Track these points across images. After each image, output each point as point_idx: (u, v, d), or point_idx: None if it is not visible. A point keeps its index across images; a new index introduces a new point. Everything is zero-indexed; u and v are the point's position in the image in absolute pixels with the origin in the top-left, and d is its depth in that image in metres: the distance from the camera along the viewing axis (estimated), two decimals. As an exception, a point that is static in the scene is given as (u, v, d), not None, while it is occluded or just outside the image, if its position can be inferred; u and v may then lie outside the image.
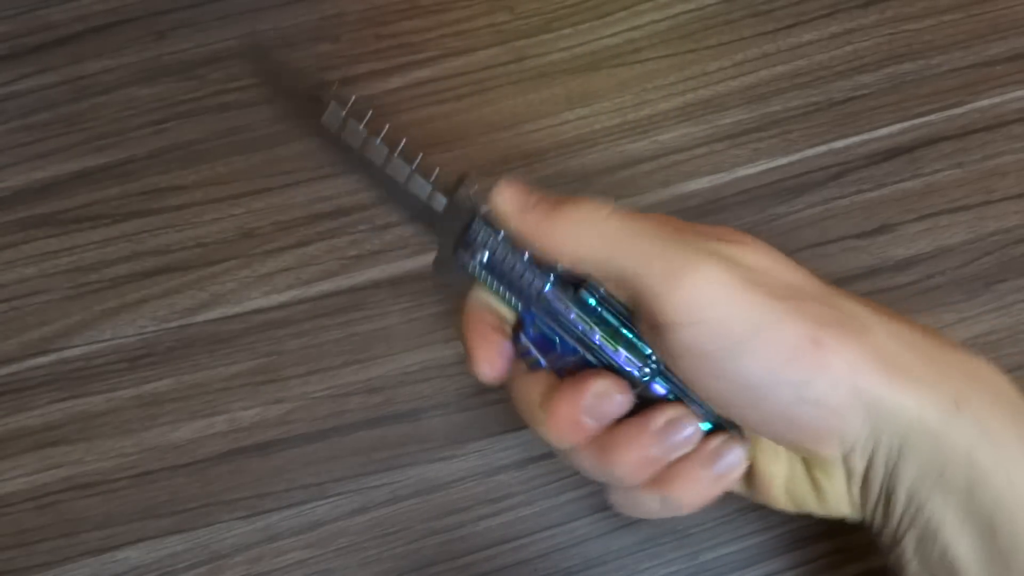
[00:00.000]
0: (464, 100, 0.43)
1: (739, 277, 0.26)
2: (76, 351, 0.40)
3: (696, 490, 0.29)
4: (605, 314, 0.29)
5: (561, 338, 0.29)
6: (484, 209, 0.29)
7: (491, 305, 0.31)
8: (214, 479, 0.39)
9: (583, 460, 0.29)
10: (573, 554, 0.39)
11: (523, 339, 0.30)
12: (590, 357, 0.29)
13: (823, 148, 0.43)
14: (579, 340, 0.29)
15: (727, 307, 0.26)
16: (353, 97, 0.30)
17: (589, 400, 0.28)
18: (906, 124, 0.43)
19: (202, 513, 0.39)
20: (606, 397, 0.28)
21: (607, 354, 0.29)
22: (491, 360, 0.30)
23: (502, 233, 0.29)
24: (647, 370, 0.29)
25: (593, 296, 0.29)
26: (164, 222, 0.41)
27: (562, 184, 0.42)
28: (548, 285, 0.29)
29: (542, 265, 0.29)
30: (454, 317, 0.32)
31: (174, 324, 0.41)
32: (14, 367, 0.40)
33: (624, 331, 0.29)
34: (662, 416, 0.29)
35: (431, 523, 0.39)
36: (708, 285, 0.26)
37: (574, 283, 0.29)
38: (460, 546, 0.39)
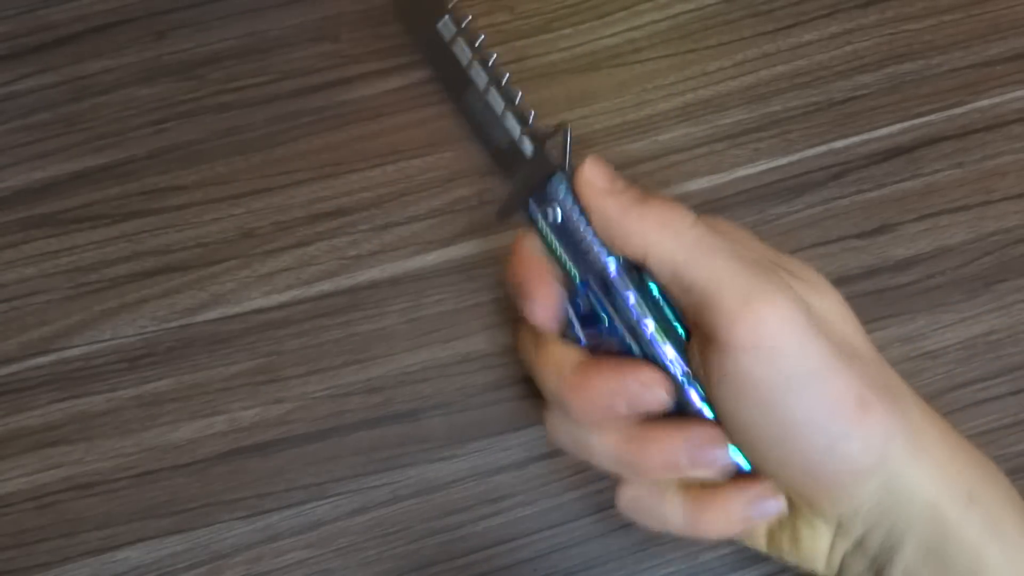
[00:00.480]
0: (464, 100, 0.43)
1: (808, 318, 0.26)
2: (76, 351, 0.40)
3: (724, 521, 0.29)
4: (664, 306, 0.29)
5: (610, 319, 0.29)
6: (570, 167, 0.28)
7: (547, 257, 0.30)
8: (214, 479, 0.39)
9: (600, 444, 0.29)
10: (573, 554, 0.39)
11: (568, 310, 0.29)
12: (634, 346, 0.29)
13: (823, 148, 0.43)
14: (629, 326, 0.28)
15: (792, 343, 0.26)
16: (470, 16, 0.29)
17: (632, 385, 0.28)
18: (906, 124, 0.43)
19: (202, 513, 0.39)
20: (649, 389, 0.28)
21: (654, 347, 0.28)
22: (546, 303, 0.30)
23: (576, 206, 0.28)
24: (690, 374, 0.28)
25: (656, 284, 0.28)
26: (164, 222, 0.41)
27: (562, 184, 0.42)
28: (615, 261, 0.28)
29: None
30: (507, 259, 0.31)
31: (174, 324, 0.41)
32: (14, 367, 0.40)
33: (678, 328, 0.28)
34: (702, 430, 0.28)
35: (431, 523, 0.39)
36: (779, 317, 0.26)
37: (637, 267, 0.29)
38: (460, 546, 0.39)
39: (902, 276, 0.41)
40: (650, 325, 0.28)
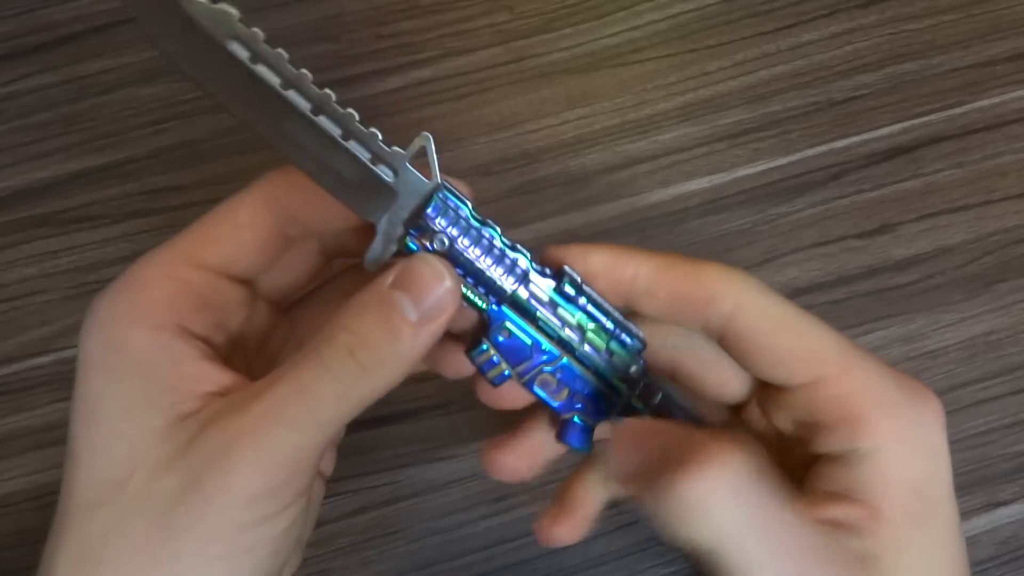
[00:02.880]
0: (464, 100, 0.43)
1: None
2: (76, 351, 0.40)
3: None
4: (592, 308, 0.26)
5: (535, 343, 0.26)
6: (442, 182, 0.24)
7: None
8: (214, 479, 0.39)
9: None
10: (573, 554, 0.39)
11: (484, 347, 0.25)
12: (571, 364, 0.26)
13: (823, 148, 0.43)
14: (561, 343, 0.26)
15: None
16: (257, 30, 0.24)
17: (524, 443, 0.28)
18: (906, 124, 0.43)
19: (202, 513, 0.39)
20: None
21: (592, 358, 0.26)
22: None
23: (467, 210, 0.24)
24: (633, 368, 0.27)
25: (575, 287, 0.25)
26: (164, 222, 0.41)
27: (562, 184, 0.42)
28: (528, 273, 0.25)
29: (516, 248, 0.25)
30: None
31: (174, 324, 0.41)
32: (14, 367, 0.40)
33: (610, 325, 0.26)
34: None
35: (431, 523, 0.39)
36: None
37: (553, 273, 0.26)
38: (460, 546, 0.39)
39: (902, 276, 0.41)
40: (584, 331, 0.26)
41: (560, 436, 0.27)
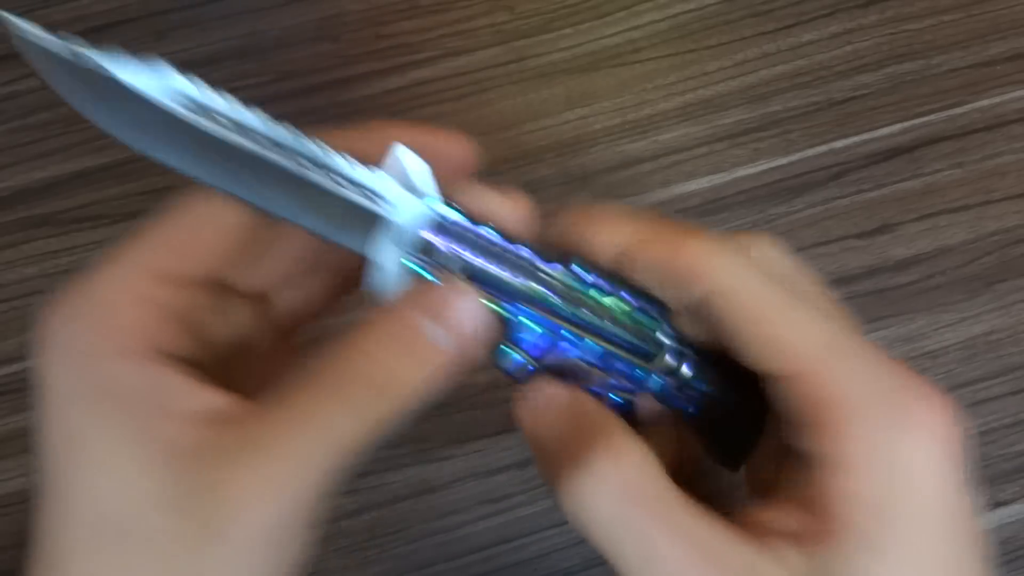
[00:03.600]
0: (464, 100, 0.43)
1: None
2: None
3: None
4: (605, 283, 0.25)
5: (555, 330, 0.25)
6: (437, 195, 0.23)
7: None
8: (214, 479, 0.39)
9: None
10: (573, 554, 0.39)
11: (506, 349, 0.24)
12: (596, 343, 0.25)
13: (823, 148, 0.43)
14: (581, 325, 0.25)
15: None
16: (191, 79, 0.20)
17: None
18: (906, 124, 0.43)
19: (202, 513, 0.39)
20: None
21: (616, 332, 0.25)
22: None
23: (460, 216, 0.23)
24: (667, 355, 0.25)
25: (584, 267, 0.25)
26: (164, 222, 0.42)
27: (562, 184, 0.42)
28: (535, 263, 0.24)
29: (517, 240, 0.24)
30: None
31: (174, 324, 0.41)
32: (14, 367, 0.40)
33: (627, 297, 0.25)
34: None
35: (431, 523, 0.39)
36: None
37: (559, 256, 0.24)
38: (460, 546, 0.39)
39: (902, 276, 0.41)
40: (606, 317, 0.25)
41: None
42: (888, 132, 0.43)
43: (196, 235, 0.22)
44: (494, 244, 0.24)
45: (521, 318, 0.24)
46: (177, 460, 0.21)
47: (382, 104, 0.43)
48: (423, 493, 0.39)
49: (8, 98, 0.43)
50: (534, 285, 0.24)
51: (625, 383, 0.26)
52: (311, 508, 0.22)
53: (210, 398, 0.21)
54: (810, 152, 0.43)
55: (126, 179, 0.42)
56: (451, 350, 0.21)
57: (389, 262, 0.22)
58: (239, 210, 0.22)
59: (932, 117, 0.43)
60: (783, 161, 0.43)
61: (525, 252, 0.24)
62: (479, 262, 0.23)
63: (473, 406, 0.40)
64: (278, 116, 0.21)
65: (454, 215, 0.23)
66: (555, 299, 0.24)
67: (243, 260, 0.24)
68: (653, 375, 0.26)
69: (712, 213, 0.42)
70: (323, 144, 0.21)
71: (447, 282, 0.22)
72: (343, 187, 0.21)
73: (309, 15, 0.44)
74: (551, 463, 0.22)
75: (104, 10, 0.44)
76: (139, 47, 0.44)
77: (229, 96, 0.20)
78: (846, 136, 0.43)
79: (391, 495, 0.39)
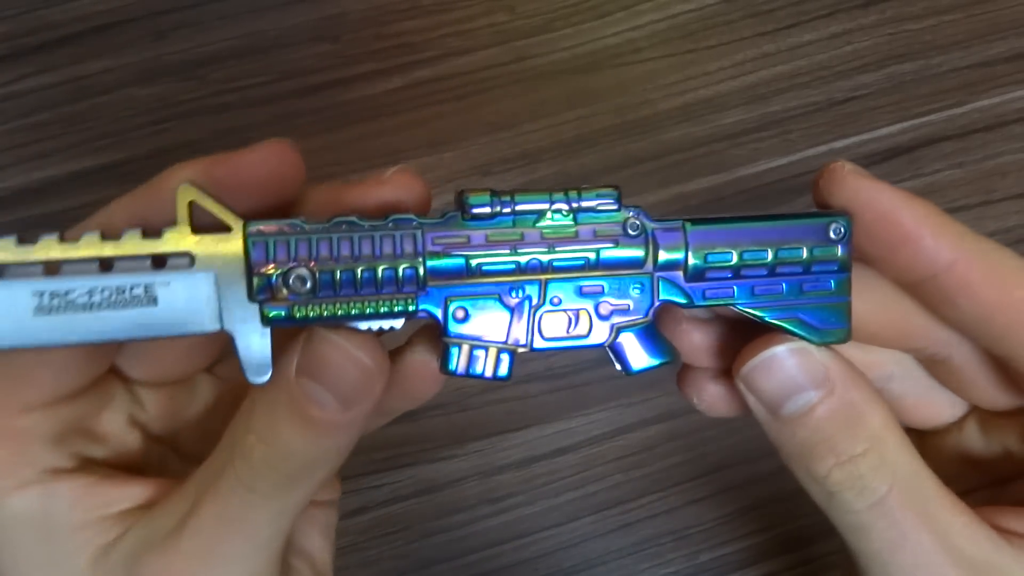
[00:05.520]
0: (464, 100, 0.43)
1: None
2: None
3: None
4: (526, 205, 0.21)
5: (506, 289, 0.20)
6: (245, 220, 0.19)
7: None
8: (214, 479, 0.39)
9: None
10: (573, 554, 0.39)
11: (454, 349, 0.20)
12: (564, 280, 0.21)
13: (823, 148, 0.43)
14: (530, 268, 0.20)
15: None
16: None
17: None
18: (906, 124, 0.43)
19: (202, 513, 0.39)
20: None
21: (574, 253, 0.21)
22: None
23: (299, 223, 0.19)
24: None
25: (489, 200, 0.20)
26: (164, 222, 0.42)
27: (562, 184, 0.42)
28: (423, 228, 0.20)
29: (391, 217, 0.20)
30: None
31: (174, 324, 0.41)
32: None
33: (562, 203, 0.22)
34: None
35: (431, 523, 0.39)
36: None
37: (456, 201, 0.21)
38: (460, 546, 0.39)
39: (902, 276, 0.41)
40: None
41: (625, 366, 0.21)
42: (888, 132, 0.43)
43: (37, 359, 0.20)
44: (360, 231, 0.19)
45: (449, 300, 0.20)
46: (103, 559, 0.20)
47: (382, 104, 0.43)
48: (424, 493, 0.39)
49: (8, 98, 0.43)
50: (432, 255, 0.20)
51: (630, 309, 0.21)
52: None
53: (125, 491, 0.21)
54: (810, 152, 0.43)
55: (126, 180, 0.42)
56: (341, 406, 0.19)
57: (247, 328, 0.19)
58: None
59: (932, 117, 0.43)
60: (783, 161, 0.43)
61: (407, 223, 0.20)
62: (346, 262, 0.19)
63: (473, 406, 0.40)
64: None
65: (294, 224, 0.19)
66: (475, 255, 0.20)
67: (129, 353, 0.22)
68: (663, 281, 0.21)
69: (712, 213, 0.42)
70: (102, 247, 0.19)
71: (329, 343, 0.19)
72: (143, 275, 0.18)
73: (309, 15, 0.44)
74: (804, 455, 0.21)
75: (104, 10, 0.44)
76: (139, 47, 0.44)
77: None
78: (846, 136, 0.43)
79: (391, 495, 0.39)
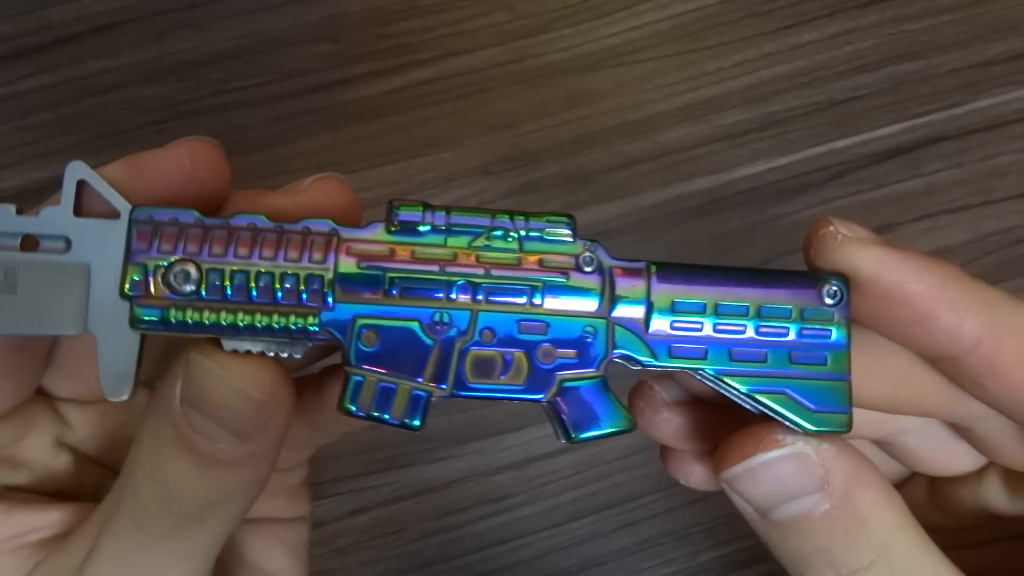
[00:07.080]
0: (464, 100, 0.43)
1: None
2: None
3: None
4: (461, 219, 0.18)
5: (426, 313, 0.17)
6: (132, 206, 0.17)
7: None
8: (214, 479, 0.39)
9: None
10: (573, 554, 0.39)
11: (358, 380, 0.17)
12: (499, 313, 0.17)
13: (823, 148, 0.43)
14: (455, 287, 0.17)
15: None
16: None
17: None
18: (906, 124, 0.43)
19: (202, 513, 0.39)
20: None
21: (515, 281, 0.18)
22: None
23: (194, 215, 0.17)
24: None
25: (417, 210, 0.18)
26: (164, 222, 0.41)
27: (562, 184, 0.42)
28: (338, 234, 0.17)
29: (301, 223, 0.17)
30: None
31: (174, 324, 0.41)
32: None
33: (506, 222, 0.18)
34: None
35: (431, 523, 0.39)
36: None
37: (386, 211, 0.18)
38: (460, 546, 0.39)
39: (902, 276, 0.41)
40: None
41: (565, 431, 0.18)
42: (888, 132, 0.43)
43: None
44: (262, 229, 0.17)
45: (357, 321, 0.17)
46: None
47: (382, 104, 0.43)
48: (423, 493, 0.39)
49: (8, 98, 0.43)
50: (344, 262, 0.17)
51: (576, 358, 0.17)
52: None
53: (39, 518, 0.19)
54: (810, 152, 0.43)
55: (126, 179, 0.42)
56: (235, 439, 0.17)
57: (112, 331, 0.16)
58: None
59: (932, 117, 0.43)
60: (783, 161, 0.43)
61: (318, 224, 0.17)
62: (241, 260, 0.16)
63: (473, 406, 0.40)
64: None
65: (185, 215, 0.17)
66: (394, 268, 0.17)
67: (52, 369, 0.21)
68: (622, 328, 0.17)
69: (712, 213, 0.42)
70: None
71: (206, 373, 0.17)
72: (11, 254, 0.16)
73: (309, 15, 0.44)
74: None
75: (105, 10, 0.44)
76: (139, 47, 0.44)
77: None
78: (846, 136, 0.43)
79: (391, 495, 0.39)
